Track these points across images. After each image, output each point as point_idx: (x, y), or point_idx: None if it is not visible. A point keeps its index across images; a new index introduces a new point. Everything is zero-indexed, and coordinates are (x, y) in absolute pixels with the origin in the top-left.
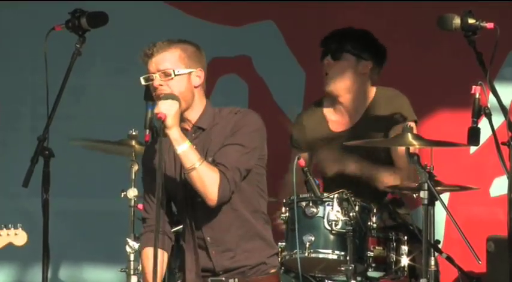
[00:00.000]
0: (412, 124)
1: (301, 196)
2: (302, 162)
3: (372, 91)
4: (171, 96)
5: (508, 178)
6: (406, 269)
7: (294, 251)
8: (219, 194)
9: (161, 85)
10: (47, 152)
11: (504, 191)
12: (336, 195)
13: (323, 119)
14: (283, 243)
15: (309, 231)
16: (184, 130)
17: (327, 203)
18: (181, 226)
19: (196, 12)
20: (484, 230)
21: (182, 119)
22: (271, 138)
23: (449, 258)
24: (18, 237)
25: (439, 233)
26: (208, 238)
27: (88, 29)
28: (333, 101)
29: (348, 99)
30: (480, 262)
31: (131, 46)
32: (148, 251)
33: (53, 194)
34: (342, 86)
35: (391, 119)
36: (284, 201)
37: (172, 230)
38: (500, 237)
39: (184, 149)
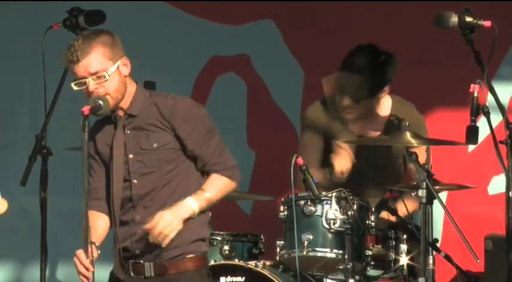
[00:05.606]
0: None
1: (299, 195)
2: (300, 160)
3: (387, 100)
4: (102, 98)
5: (506, 176)
6: (405, 267)
7: (293, 250)
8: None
9: (97, 88)
10: (44, 151)
11: (502, 189)
12: (334, 194)
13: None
14: (282, 242)
15: (307, 230)
16: (118, 117)
17: (325, 201)
18: None
19: (195, 11)
20: (482, 228)
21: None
22: (270, 137)
23: (447, 257)
24: None
25: (437, 231)
26: (138, 217)
27: (85, 27)
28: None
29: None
30: (478, 261)
31: (129, 44)
32: (93, 213)
33: (50, 192)
34: (361, 116)
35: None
36: (282, 199)
37: None
38: (498, 235)
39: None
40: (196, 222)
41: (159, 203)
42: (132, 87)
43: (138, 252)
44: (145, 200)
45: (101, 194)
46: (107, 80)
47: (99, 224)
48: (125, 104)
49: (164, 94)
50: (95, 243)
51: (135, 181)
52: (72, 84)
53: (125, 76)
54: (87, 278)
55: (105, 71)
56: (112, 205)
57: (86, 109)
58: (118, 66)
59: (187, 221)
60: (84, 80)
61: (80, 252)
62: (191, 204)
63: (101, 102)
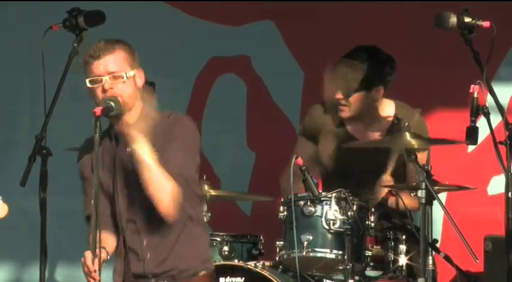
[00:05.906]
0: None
1: (299, 195)
2: (300, 161)
3: (391, 105)
4: (113, 100)
5: (505, 177)
6: (404, 268)
7: (292, 250)
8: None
9: (112, 88)
10: (44, 151)
11: (502, 189)
12: (334, 194)
13: (340, 121)
14: (281, 242)
15: (307, 230)
16: (119, 134)
17: (325, 202)
18: None
19: (195, 11)
20: (481, 229)
21: (122, 122)
22: (270, 138)
23: (447, 258)
24: None
25: (437, 232)
26: (145, 241)
27: (85, 27)
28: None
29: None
30: (478, 261)
31: None
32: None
33: (50, 193)
34: (356, 114)
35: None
36: (282, 200)
37: None
38: (498, 236)
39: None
40: (205, 244)
41: (164, 227)
42: (139, 104)
43: (151, 276)
44: (150, 223)
45: (104, 217)
46: (124, 82)
47: (107, 243)
48: (130, 120)
49: (165, 113)
50: (105, 248)
51: (136, 203)
52: (87, 81)
53: (138, 88)
54: (94, 279)
55: (123, 72)
56: (117, 224)
57: (97, 110)
58: (135, 75)
59: (195, 243)
60: (101, 77)
61: (88, 253)
62: (144, 146)
63: (112, 103)
